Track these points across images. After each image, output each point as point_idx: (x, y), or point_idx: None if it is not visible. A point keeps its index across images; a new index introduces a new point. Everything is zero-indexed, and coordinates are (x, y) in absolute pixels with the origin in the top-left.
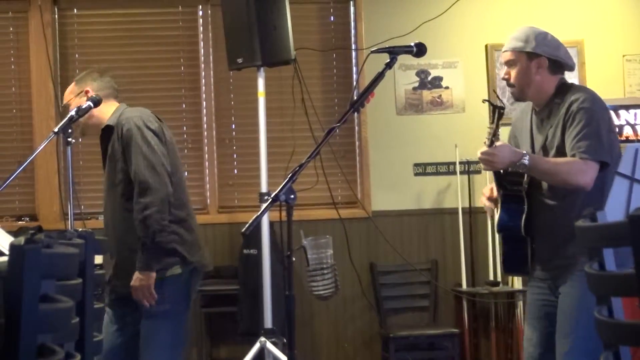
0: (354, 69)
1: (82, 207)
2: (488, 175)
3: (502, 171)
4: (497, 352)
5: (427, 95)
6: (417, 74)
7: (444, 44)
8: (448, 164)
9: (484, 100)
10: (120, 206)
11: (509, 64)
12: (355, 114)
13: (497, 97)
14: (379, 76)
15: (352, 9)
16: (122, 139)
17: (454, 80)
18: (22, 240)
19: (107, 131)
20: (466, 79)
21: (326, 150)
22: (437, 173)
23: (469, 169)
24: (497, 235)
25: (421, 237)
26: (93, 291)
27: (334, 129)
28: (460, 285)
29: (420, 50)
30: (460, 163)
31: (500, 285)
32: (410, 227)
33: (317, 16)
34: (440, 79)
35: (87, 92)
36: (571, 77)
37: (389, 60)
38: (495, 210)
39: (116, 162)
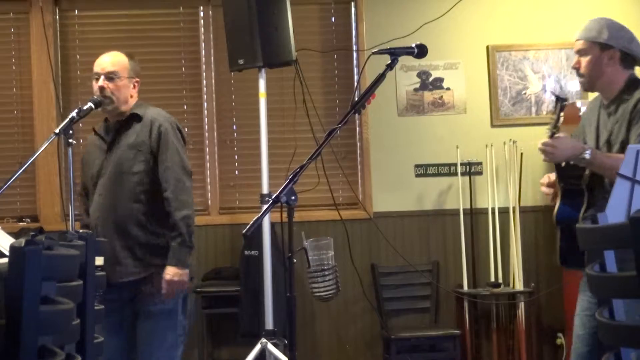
0: (355, 70)
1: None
2: (489, 177)
3: (563, 164)
4: (499, 354)
5: (429, 96)
6: (419, 75)
7: (445, 45)
8: (449, 165)
9: (550, 92)
10: (132, 195)
11: (581, 53)
12: (357, 115)
13: (561, 87)
14: (380, 77)
15: (353, 10)
16: (158, 135)
17: (455, 82)
18: (22, 241)
19: (130, 119)
20: (467, 80)
21: (327, 151)
22: (439, 174)
23: (470, 170)
24: (498, 237)
25: (422, 238)
26: (94, 292)
27: (335, 130)
28: (461, 286)
29: (421, 51)
30: (462, 164)
31: (502, 286)
32: (412, 228)
33: (318, 17)
34: (441, 80)
35: (137, 82)
36: None
37: (390, 61)
38: (555, 201)
39: (138, 151)
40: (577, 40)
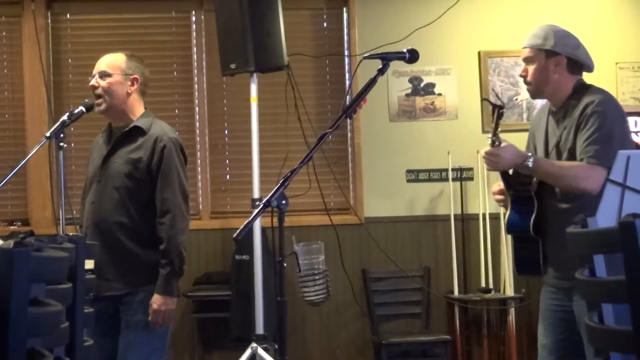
0: (347, 75)
1: (74, 212)
2: (481, 183)
3: (510, 172)
4: (489, 359)
5: (420, 101)
6: (410, 81)
7: (437, 51)
8: (440, 170)
9: (483, 99)
10: (123, 210)
11: (527, 60)
12: (348, 120)
13: (497, 95)
14: (371, 82)
15: (345, 15)
16: (161, 156)
17: (447, 87)
18: (11, 243)
19: (134, 131)
20: (459, 86)
21: (319, 156)
22: (430, 180)
23: (461, 175)
24: (489, 243)
25: (413, 243)
26: (84, 295)
27: (326, 135)
28: (452, 292)
29: (412, 56)
30: (453, 170)
31: (493, 292)
32: (403, 234)
33: (311, 22)
34: (433, 85)
35: (136, 79)
36: None
37: (381, 66)
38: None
39: (135, 168)
40: (524, 48)
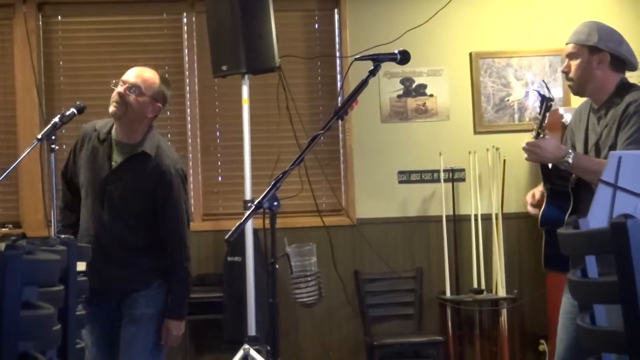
0: (339, 76)
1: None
2: (472, 184)
3: (549, 165)
4: None
5: (412, 102)
6: (402, 82)
7: (429, 52)
8: (432, 171)
9: (533, 90)
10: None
11: (570, 56)
12: (340, 121)
13: (547, 87)
14: (363, 83)
15: (336, 17)
16: (168, 189)
17: (439, 88)
18: (3, 246)
19: (141, 156)
20: (451, 87)
21: (311, 157)
22: (422, 181)
23: (453, 176)
24: (481, 244)
25: (406, 244)
26: (76, 298)
27: (318, 137)
28: (444, 293)
29: (404, 57)
30: (445, 171)
31: (485, 293)
32: (395, 235)
33: (302, 24)
34: (424, 86)
35: (159, 107)
36: None
37: (373, 67)
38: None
39: (139, 194)
40: (567, 43)
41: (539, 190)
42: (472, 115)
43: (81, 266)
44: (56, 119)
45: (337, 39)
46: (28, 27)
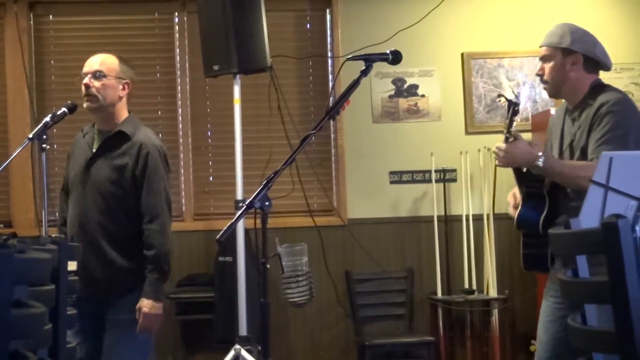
0: (330, 76)
1: (57, 213)
2: (464, 184)
3: (523, 169)
4: None
5: (404, 103)
6: (393, 82)
7: (420, 52)
8: (424, 172)
9: (498, 95)
10: (108, 216)
11: (544, 59)
12: (331, 121)
13: (513, 92)
14: (355, 84)
15: (328, 17)
16: (145, 164)
17: (430, 89)
18: None
19: (118, 136)
20: (442, 87)
21: (302, 157)
22: (413, 181)
23: (444, 177)
24: (472, 244)
25: (397, 245)
26: (67, 297)
27: (310, 137)
28: (435, 293)
29: (395, 58)
30: (436, 171)
31: (476, 293)
32: (386, 235)
33: (294, 24)
34: (416, 87)
35: (127, 84)
36: None
37: (364, 67)
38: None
39: (120, 174)
40: (541, 46)
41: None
42: (463, 116)
43: (72, 266)
44: (47, 119)
45: (328, 39)
46: (19, 26)
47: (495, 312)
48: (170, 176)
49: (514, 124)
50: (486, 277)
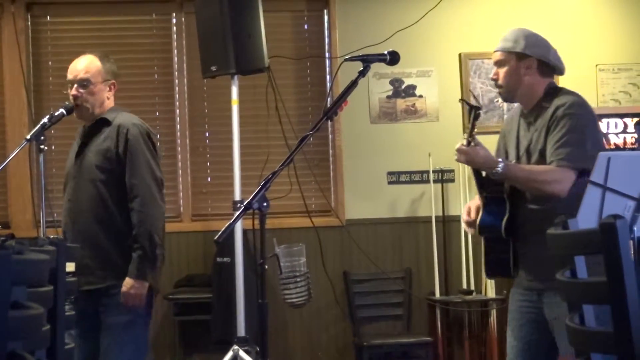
0: (328, 77)
1: (55, 214)
2: (462, 184)
3: (484, 173)
4: None
5: (401, 103)
6: (391, 83)
7: (418, 53)
8: (422, 172)
9: (460, 100)
10: (98, 203)
11: (498, 64)
12: (329, 122)
13: (474, 96)
14: (352, 84)
15: (326, 17)
16: (125, 142)
17: (428, 89)
18: None
19: (100, 123)
20: (440, 88)
21: (300, 158)
22: (411, 182)
23: (442, 177)
24: (470, 244)
25: (395, 245)
26: (65, 298)
27: (307, 137)
28: (433, 293)
29: (393, 58)
30: (434, 171)
31: (474, 294)
32: (384, 236)
33: (292, 24)
34: (414, 87)
35: (114, 84)
36: None
37: (362, 68)
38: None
39: (105, 158)
40: (495, 51)
41: (474, 204)
42: (461, 116)
43: (70, 266)
44: (45, 120)
45: (326, 39)
46: (17, 27)
47: (493, 312)
48: (168, 169)
49: (475, 129)
50: (484, 277)
